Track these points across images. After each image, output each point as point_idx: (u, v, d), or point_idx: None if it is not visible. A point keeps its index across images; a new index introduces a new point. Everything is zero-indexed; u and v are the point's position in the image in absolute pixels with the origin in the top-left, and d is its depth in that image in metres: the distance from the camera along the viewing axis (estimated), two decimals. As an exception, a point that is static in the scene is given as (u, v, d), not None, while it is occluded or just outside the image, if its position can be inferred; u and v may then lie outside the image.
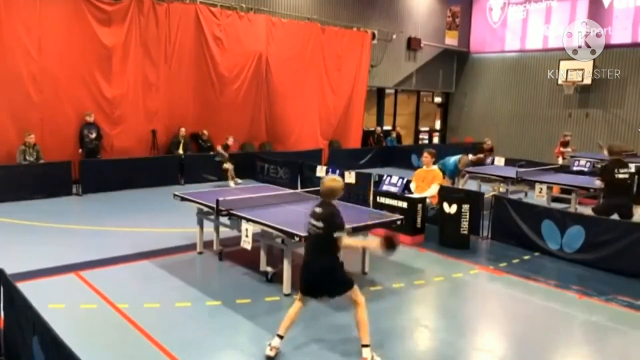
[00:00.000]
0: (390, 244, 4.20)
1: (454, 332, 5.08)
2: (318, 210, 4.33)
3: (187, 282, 6.10)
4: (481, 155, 14.13)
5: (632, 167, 12.48)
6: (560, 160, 14.76)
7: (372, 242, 4.39)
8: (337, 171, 11.10)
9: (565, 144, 15.14)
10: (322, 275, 4.30)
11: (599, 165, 13.32)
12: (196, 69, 13.62)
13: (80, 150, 11.51)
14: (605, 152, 9.12)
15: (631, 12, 17.08)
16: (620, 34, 17.30)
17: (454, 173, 11.65)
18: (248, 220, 5.96)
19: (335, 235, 4.19)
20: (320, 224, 4.25)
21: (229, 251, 6.98)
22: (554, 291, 6.26)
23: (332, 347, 4.66)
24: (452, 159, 11.60)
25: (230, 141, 12.93)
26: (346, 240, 4.29)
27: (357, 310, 4.35)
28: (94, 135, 11.55)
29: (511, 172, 10.91)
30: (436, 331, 5.20)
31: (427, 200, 8.36)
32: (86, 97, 11.90)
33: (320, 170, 11.57)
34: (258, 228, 5.93)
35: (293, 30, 15.51)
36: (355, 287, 4.37)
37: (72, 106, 11.65)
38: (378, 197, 8.67)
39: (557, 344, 4.97)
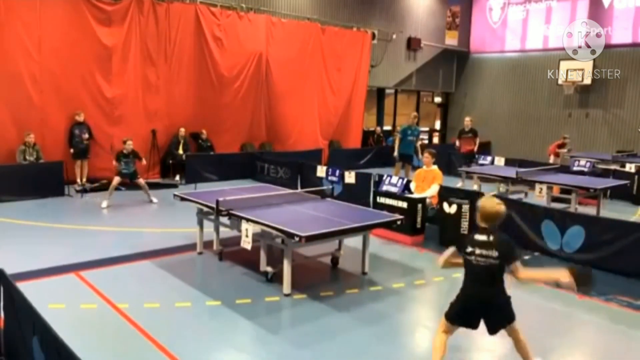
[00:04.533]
0: (584, 281, 3.80)
1: (454, 332, 5.07)
2: (483, 237, 3.86)
3: (187, 282, 6.10)
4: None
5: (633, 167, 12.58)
6: (551, 159, 14.78)
7: (559, 273, 3.80)
8: (337, 171, 11.15)
9: (562, 146, 15.18)
10: (490, 307, 3.95)
11: (599, 165, 13.42)
12: (196, 69, 13.62)
13: (71, 151, 11.50)
14: None
15: (631, 12, 17.09)
16: (620, 34, 17.31)
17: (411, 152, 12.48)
18: (248, 220, 5.96)
19: (513, 266, 3.81)
20: (495, 253, 3.81)
21: (229, 251, 6.98)
22: (554, 291, 6.25)
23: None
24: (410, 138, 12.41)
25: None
26: (526, 272, 3.86)
27: (518, 343, 4.07)
28: (87, 136, 11.53)
29: (511, 172, 10.92)
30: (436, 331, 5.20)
31: (427, 201, 8.36)
32: (86, 97, 11.90)
33: (320, 171, 11.58)
34: (258, 228, 5.93)
35: (293, 30, 15.52)
36: (516, 322, 4.02)
37: (72, 106, 11.63)
38: (378, 197, 8.67)
39: (557, 344, 4.96)
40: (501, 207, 3.89)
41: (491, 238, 3.83)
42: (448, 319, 4.05)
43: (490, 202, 3.93)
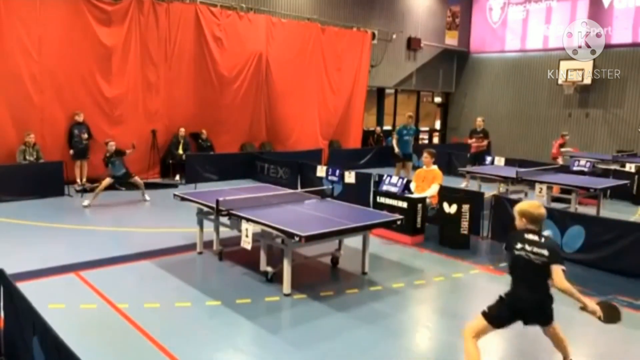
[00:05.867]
0: (611, 315, 3.85)
1: (454, 332, 5.07)
2: (535, 237, 3.91)
3: (187, 282, 6.10)
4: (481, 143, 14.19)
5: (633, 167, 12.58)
6: (560, 161, 14.81)
7: (590, 303, 3.86)
8: (337, 171, 11.15)
9: (563, 145, 15.19)
10: (536, 308, 4.02)
11: (599, 165, 13.42)
12: (196, 69, 13.63)
13: (71, 151, 11.50)
14: None
15: (631, 12, 17.09)
16: (620, 34, 17.31)
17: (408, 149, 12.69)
18: (248, 220, 5.96)
19: (556, 267, 3.81)
20: (545, 252, 3.84)
21: (229, 251, 6.98)
22: (553, 291, 6.24)
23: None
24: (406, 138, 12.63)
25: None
26: (564, 280, 3.81)
27: (557, 341, 4.21)
28: (86, 136, 11.54)
29: (511, 172, 10.93)
30: (436, 331, 5.20)
31: (427, 200, 8.36)
32: (86, 97, 11.91)
33: (320, 170, 11.59)
34: (258, 228, 5.93)
35: (293, 30, 15.52)
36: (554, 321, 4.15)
37: (72, 106, 11.64)
38: (378, 197, 8.67)
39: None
40: (543, 209, 4.04)
41: (542, 239, 3.90)
42: (491, 321, 3.97)
43: (533, 205, 4.03)
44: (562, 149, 15.08)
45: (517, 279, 4.01)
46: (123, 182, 10.56)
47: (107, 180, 10.03)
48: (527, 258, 3.89)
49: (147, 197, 10.60)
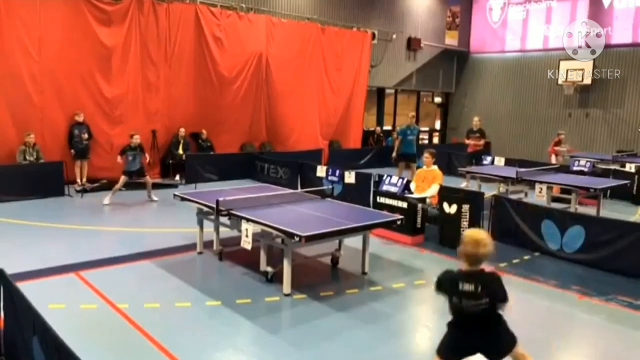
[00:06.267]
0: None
1: None
2: (471, 287, 3.38)
3: (187, 282, 6.10)
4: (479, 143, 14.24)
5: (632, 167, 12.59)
6: (553, 159, 14.84)
7: None
8: (337, 171, 11.15)
9: (558, 143, 15.22)
10: (486, 341, 3.55)
11: (599, 165, 13.42)
12: (196, 69, 13.62)
13: (72, 151, 11.50)
14: None
15: (631, 12, 17.09)
16: (620, 34, 17.31)
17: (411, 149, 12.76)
18: (248, 220, 5.96)
19: (501, 305, 3.42)
20: (485, 301, 3.38)
21: (229, 251, 6.98)
22: (554, 291, 6.25)
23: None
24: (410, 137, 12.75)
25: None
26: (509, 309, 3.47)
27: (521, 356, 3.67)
28: (86, 136, 11.54)
29: (511, 172, 10.93)
30: (436, 331, 5.18)
31: (427, 201, 8.36)
32: (86, 97, 11.90)
33: (320, 171, 11.59)
34: (258, 228, 5.93)
35: (293, 30, 15.52)
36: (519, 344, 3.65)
37: (72, 106, 11.63)
38: (378, 197, 8.67)
39: (557, 344, 4.96)
40: (486, 249, 3.46)
41: (479, 287, 3.37)
42: (442, 355, 3.60)
43: (475, 240, 3.45)
44: (556, 148, 15.12)
45: (459, 322, 3.55)
46: (136, 176, 10.49)
47: (123, 178, 10.23)
48: (469, 310, 3.42)
49: (155, 198, 10.60)
